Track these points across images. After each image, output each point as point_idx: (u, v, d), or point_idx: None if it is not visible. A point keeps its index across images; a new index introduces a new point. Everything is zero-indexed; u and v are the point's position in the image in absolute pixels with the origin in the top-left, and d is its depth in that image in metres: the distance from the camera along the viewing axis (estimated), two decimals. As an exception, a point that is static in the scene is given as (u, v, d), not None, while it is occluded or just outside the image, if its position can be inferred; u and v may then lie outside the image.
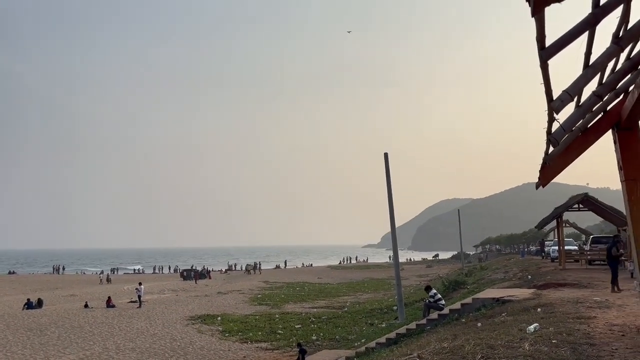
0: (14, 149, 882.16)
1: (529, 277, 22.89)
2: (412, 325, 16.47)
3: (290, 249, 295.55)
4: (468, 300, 16.24)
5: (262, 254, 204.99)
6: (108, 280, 66.60)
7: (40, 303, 34.73)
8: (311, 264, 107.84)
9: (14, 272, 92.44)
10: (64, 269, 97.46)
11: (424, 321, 16.17)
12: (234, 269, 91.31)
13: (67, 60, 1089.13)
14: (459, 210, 63.18)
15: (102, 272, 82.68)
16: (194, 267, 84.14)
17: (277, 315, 28.47)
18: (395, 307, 25.74)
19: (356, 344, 18.73)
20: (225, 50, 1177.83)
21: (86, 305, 33.11)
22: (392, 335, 16.26)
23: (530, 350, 6.80)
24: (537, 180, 7.98)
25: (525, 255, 55.67)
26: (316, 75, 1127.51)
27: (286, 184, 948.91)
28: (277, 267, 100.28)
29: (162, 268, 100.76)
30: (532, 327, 8.51)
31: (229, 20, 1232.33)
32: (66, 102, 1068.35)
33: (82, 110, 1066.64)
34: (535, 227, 38.00)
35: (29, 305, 33.99)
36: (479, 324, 11.27)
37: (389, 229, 25.80)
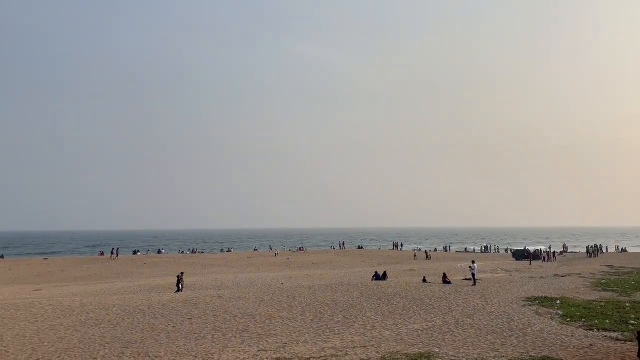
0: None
1: None
2: None
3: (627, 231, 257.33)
4: None
5: (589, 235, 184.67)
6: (428, 257, 75.88)
7: (385, 275, 38.96)
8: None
9: (361, 247, 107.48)
10: (402, 245, 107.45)
11: None
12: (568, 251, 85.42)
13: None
14: None
15: (432, 249, 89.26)
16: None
17: (627, 304, 25.32)
18: None
19: None
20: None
21: (424, 280, 35.63)
22: None
23: None
24: None
25: None
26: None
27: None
28: (623, 250, 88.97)
29: (491, 247, 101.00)
30: None
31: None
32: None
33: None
34: None
35: (376, 276, 38.59)
36: None
37: None
